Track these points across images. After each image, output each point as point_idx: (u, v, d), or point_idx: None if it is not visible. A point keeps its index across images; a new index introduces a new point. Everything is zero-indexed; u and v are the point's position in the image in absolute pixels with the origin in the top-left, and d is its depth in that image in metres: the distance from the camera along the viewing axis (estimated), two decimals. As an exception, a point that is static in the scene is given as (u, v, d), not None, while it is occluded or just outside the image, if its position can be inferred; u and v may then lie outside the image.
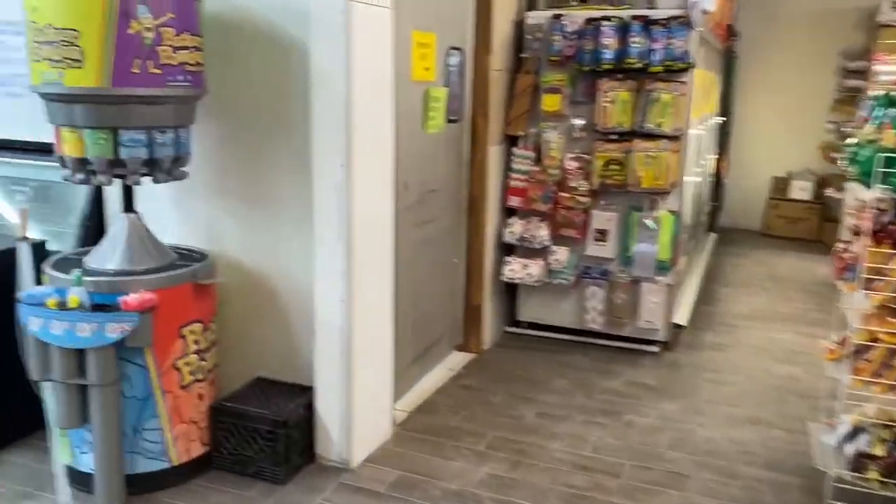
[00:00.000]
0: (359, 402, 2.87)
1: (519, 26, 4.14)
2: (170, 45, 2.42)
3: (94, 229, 3.12)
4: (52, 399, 2.51)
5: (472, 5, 3.80)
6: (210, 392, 2.84)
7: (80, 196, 3.18)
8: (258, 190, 2.94)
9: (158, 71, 2.41)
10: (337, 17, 2.56)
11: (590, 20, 3.94)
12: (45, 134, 2.62)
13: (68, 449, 2.65)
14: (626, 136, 3.94)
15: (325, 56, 2.61)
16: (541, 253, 4.21)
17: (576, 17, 3.99)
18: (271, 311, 3.01)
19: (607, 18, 3.89)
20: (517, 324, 4.47)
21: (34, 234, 2.96)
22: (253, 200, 2.95)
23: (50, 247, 3.01)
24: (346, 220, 2.69)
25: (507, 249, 4.29)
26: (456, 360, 4.00)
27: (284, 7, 2.75)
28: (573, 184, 4.08)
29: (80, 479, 2.64)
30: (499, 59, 3.96)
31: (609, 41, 3.86)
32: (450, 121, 3.68)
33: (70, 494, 2.60)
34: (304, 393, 2.90)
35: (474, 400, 3.55)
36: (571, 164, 4.08)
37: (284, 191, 2.89)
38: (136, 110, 2.43)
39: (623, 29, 3.86)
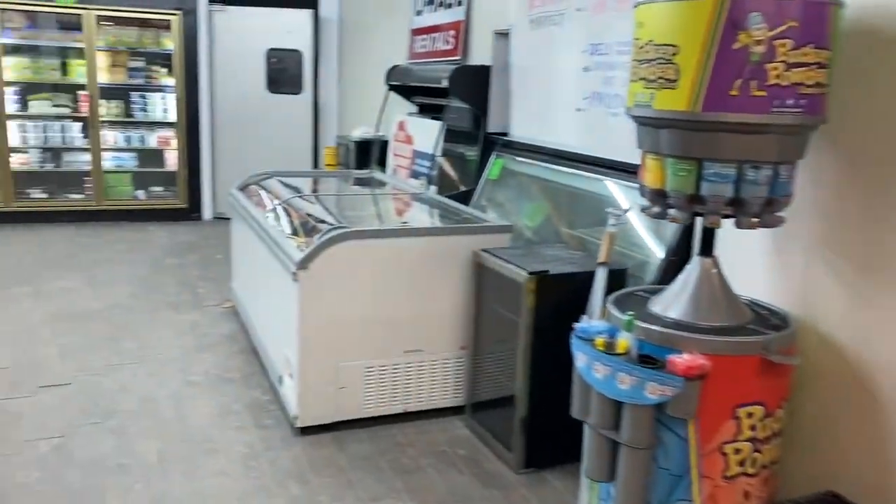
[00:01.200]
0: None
1: None
2: (783, 62, 1.93)
3: (676, 266, 2.85)
4: (586, 442, 2.35)
5: None
6: (761, 492, 2.27)
7: (670, 226, 2.96)
8: (875, 250, 2.21)
9: (763, 93, 1.95)
10: None
11: None
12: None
13: (595, 498, 2.45)
14: None
15: None
16: None
17: None
18: (865, 410, 2.25)
19: None
20: None
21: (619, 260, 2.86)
22: (866, 263, 2.24)
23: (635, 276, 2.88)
24: None
25: None
26: None
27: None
28: None
29: (599, 534, 2.42)
30: None
31: None
32: None
33: (586, 546, 2.41)
34: (893, 539, 2.09)
35: None
36: None
37: (915, 258, 2.10)
38: (727, 140, 2.02)
39: None
